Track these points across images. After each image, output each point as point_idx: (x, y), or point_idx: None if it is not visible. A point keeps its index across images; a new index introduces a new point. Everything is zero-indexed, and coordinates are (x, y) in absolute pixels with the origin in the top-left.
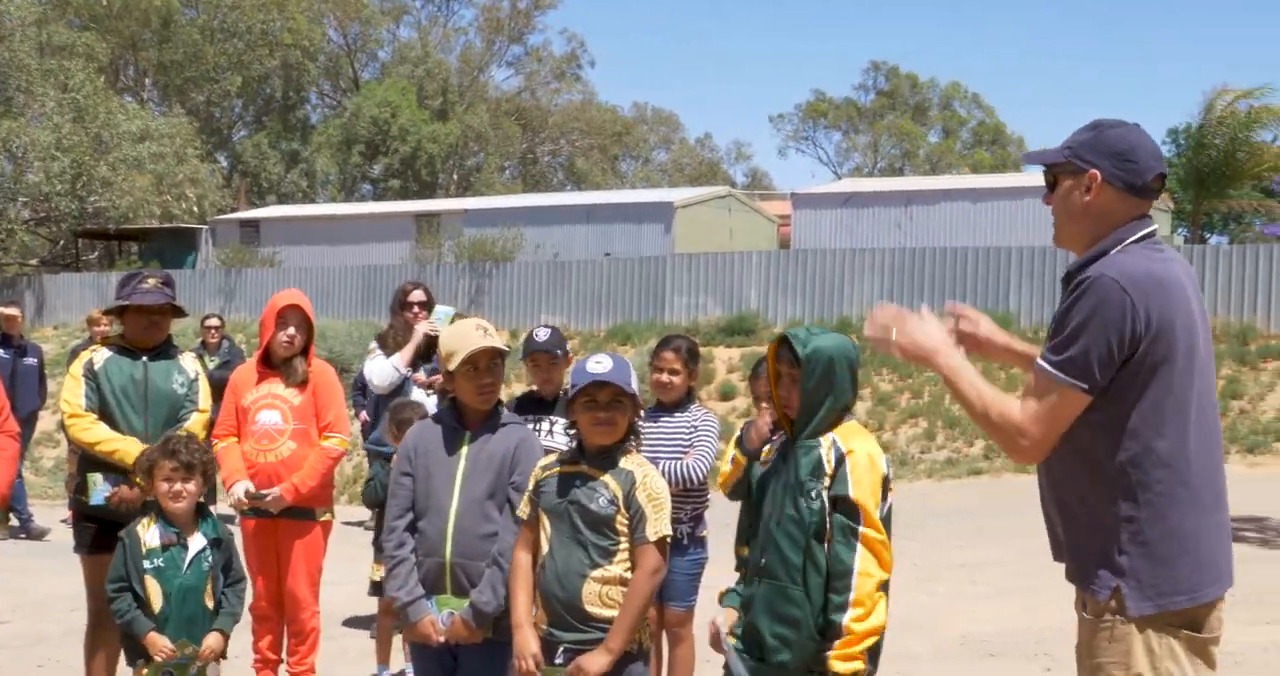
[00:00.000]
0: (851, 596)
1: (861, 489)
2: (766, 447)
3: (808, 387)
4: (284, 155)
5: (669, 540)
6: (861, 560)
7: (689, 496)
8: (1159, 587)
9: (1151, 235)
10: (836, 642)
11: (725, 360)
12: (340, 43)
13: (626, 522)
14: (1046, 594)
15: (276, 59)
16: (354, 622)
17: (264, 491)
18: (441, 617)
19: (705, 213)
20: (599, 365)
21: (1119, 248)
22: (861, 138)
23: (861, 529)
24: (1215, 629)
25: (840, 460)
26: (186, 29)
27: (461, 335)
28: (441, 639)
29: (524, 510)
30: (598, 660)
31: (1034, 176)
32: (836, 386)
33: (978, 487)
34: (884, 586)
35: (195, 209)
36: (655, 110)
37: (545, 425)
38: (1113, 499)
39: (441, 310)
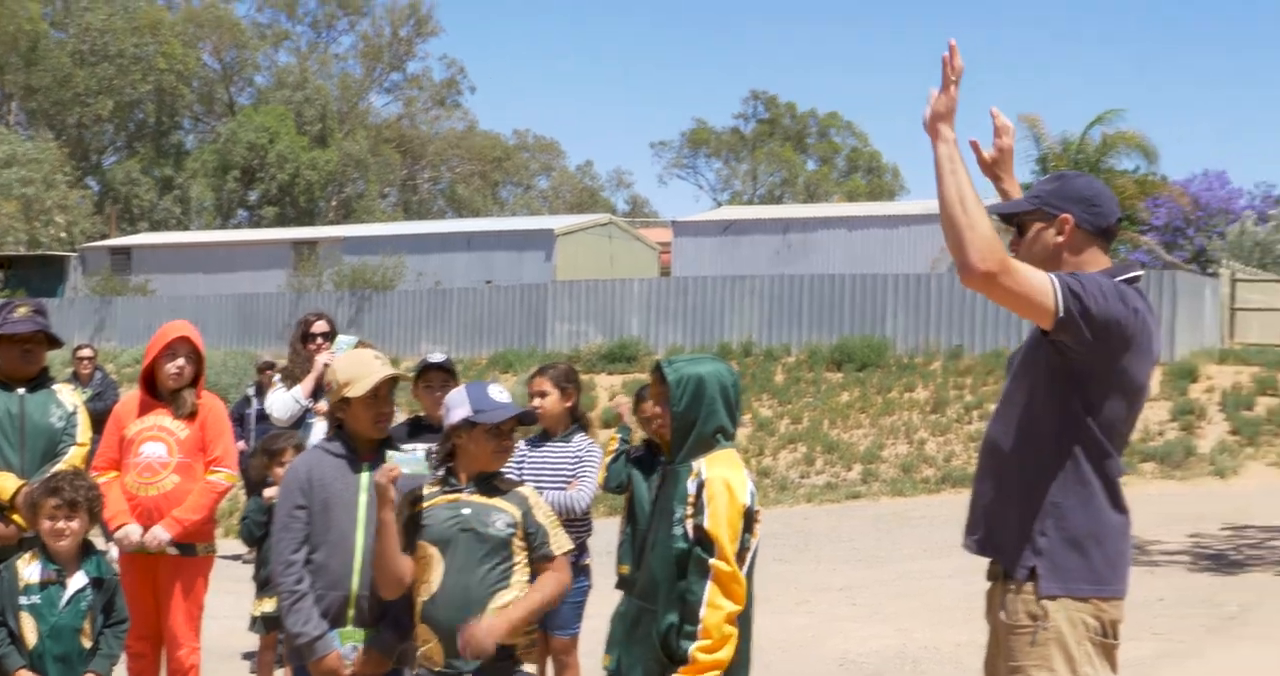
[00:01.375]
0: (700, 627)
1: (716, 520)
2: (627, 436)
3: (676, 411)
4: (157, 181)
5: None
6: (710, 592)
7: (572, 526)
8: (1073, 573)
9: (1137, 280)
10: (681, 669)
11: (607, 387)
12: (216, 67)
13: (524, 544)
14: (923, 615)
15: (150, 83)
16: (235, 658)
17: (149, 535)
18: (345, 651)
19: (586, 240)
20: (503, 395)
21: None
22: (742, 165)
23: (712, 561)
24: (1118, 633)
25: (699, 488)
26: (55, 52)
27: (362, 363)
28: (348, 672)
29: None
30: (495, 623)
31: (909, 205)
32: (704, 410)
33: (856, 511)
34: (738, 619)
35: (64, 235)
36: (536, 137)
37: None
38: (1048, 484)
39: (343, 340)
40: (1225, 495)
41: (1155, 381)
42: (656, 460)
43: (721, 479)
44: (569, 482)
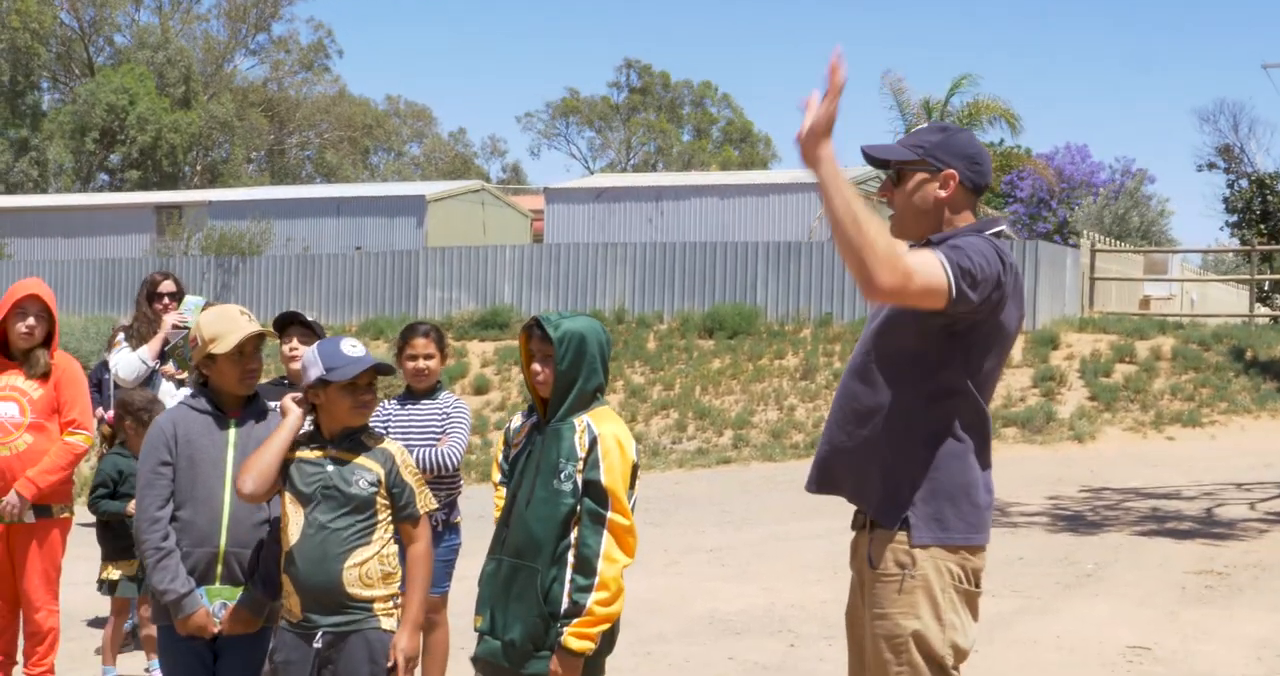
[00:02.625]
0: (596, 580)
1: (613, 475)
2: (518, 428)
3: (561, 368)
4: (12, 143)
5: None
6: (607, 545)
7: (442, 482)
8: (943, 523)
9: (1000, 234)
10: (575, 620)
11: (479, 354)
12: (74, 26)
13: (387, 502)
14: (790, 575)
15: (3, 42)
16: (95, 623)
17: (5, 504)
18: (213, 608)
19: (458, 207)
20: (356, 349)
21: (979, 235)
22: (615, 135)
23: (609, 515)
24: (980, 581)
25: (593, 443)
26: None
27: (229, 319)
28: (217, 629)
29: None
30: (409, 637)
31: (780, 174)
32: (587, 367)
33: (726, 476)
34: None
35: None
36: (408, 103)
37: None
38: (921, 436)
39: (191, 300)
40: (1083, 459)
41: (1018, 349)
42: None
43: (613, 435)
44: (438, 439)
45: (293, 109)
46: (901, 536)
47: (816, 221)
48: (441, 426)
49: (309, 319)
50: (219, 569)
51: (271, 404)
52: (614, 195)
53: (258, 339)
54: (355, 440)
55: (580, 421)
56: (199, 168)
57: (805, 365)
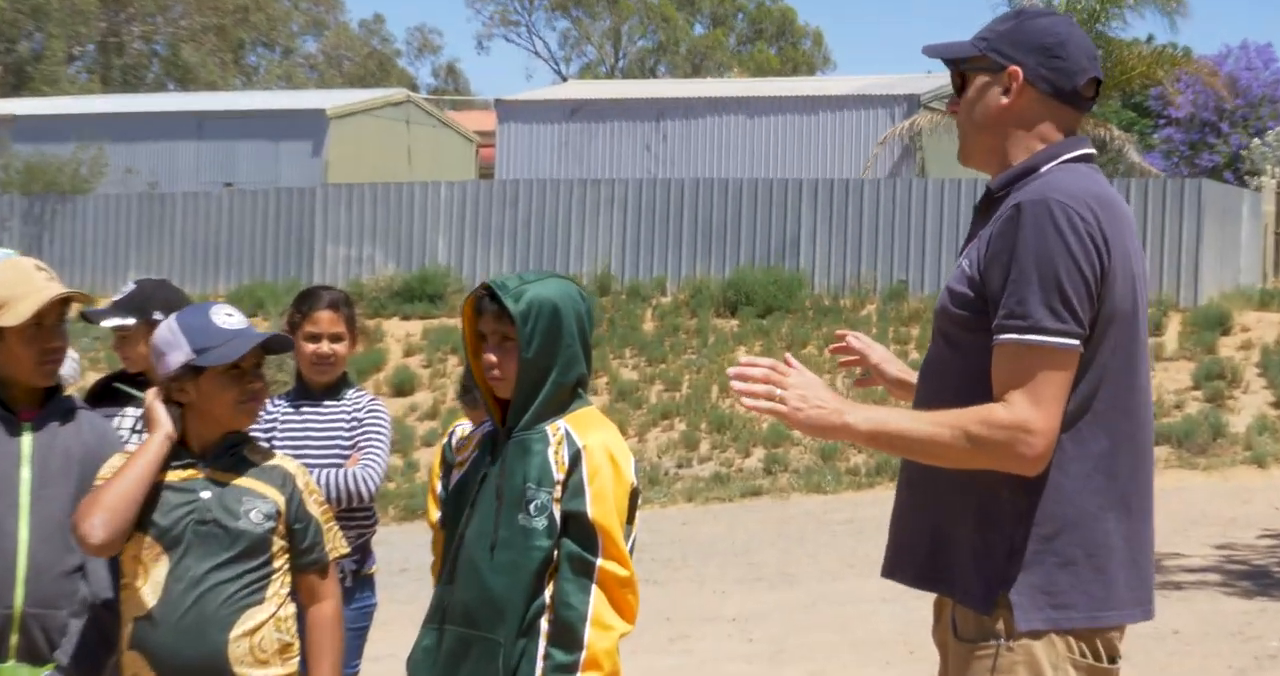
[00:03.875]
0: (583, 655)
1: (604, 504)
2: (460, 440)
3: (527, 355)
4: None
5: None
6: (598, 605)
7: (353, 518)
8: (1059, 599)
9: (1090, 159)
10: None
11: (401, 337)
12: None
13: (285, 542)
14: (845, 654)
15: None
16: None
17: None
18: None
19: (373, 126)
20: (232, 319)
21: (1053, 164)
22: (598, 24)
23: (600, 562)
24: (1118, 656)
25: (576, 459)
26: None
27: (21, 277)
28: None
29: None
30: None
31: (835, 82)
32: (564, 351)
33: (755, 513)
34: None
35: None
36: None
37: (124, 421)
38: (1017, 483)
39: None
40: (1266, 490)
41: (1171, 337)
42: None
43: (603, 447)
44: (346, 457)
45: None
46: (999, 623)
47: (878, 146)
48: (349, 438)
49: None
50: (13, 639)
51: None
52: (596, 111)
53: (62, 306)
54: (237, 454)
55: (556, 429)
56: (0, 68)
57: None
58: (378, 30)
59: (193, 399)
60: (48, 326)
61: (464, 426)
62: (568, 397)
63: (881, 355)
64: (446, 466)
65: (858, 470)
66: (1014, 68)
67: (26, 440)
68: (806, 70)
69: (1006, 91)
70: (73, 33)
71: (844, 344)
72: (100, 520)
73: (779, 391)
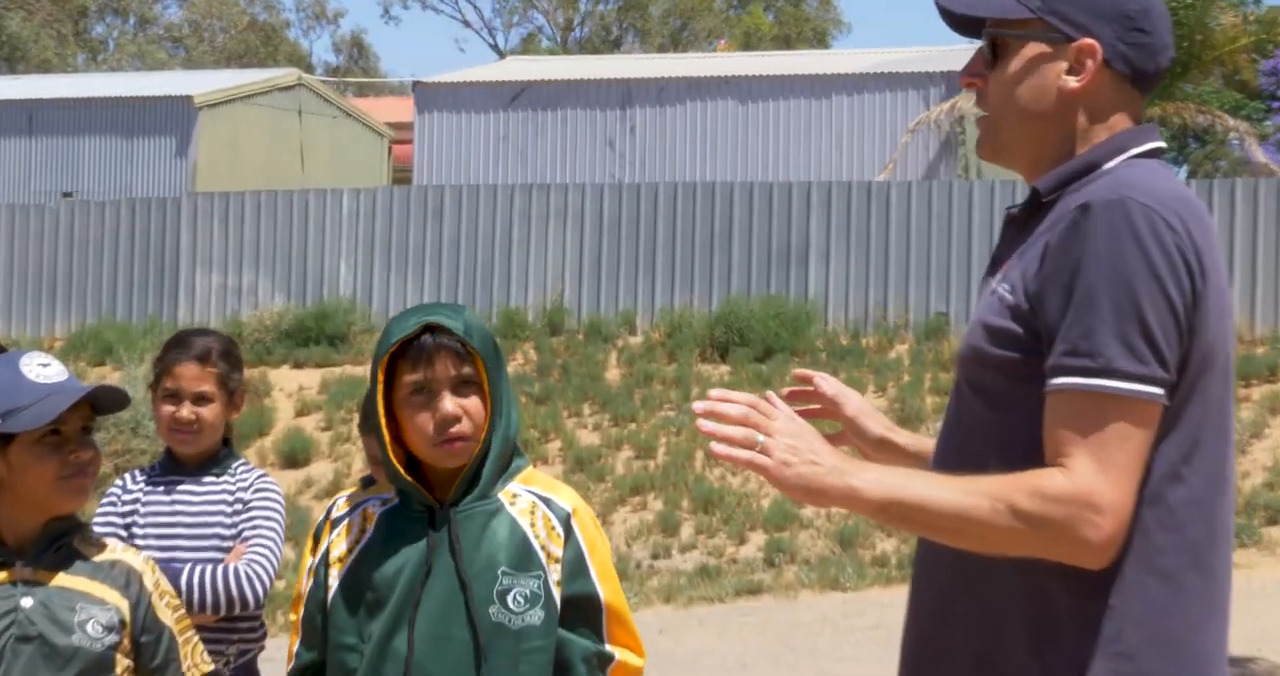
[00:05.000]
0: None
1: (611, 581)
2: (343, 517)
3: (499, 404)
4: None
5: None
6: None
7: (235, 629)
8: None
9: (1161, 153)
10: None
11: (292, 391)
12: None
13: (130, 662)
14: None
15: None
16: None
17: None
18: None
19: (254, 117)
20: (49, 370)
21: (1119, 159)
22: None
23: (619, 655)
24: None
25: (568, 528)
26: None
27: None
28: None
29: None
30: None
31: (850, 56)
32: (506, 395)
33: (754, 617)
34: None
35: None
36: None
37: None
38: (1081, 581)
39: None
40: None
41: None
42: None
43: (588, 513)
44: (226, 550)
45: None
46: None
47: (907, 134)
48: (231, 526)
49: None
50: None
51: None
52: (544, 96)
53: None
54: (64, 547)
55: (512, 496)
56: None
57: (900, 407)
58: None
59: (1, 476)
60: None
61: (345, 498)
62: (512, 454)
63: (859, 406)
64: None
65: (886, 560)
66: (1088, 41)
67: None
68: (813, 40)
69: (1074, 71)
70: None
71: (807, 388)
72: None
73: (761, 438)
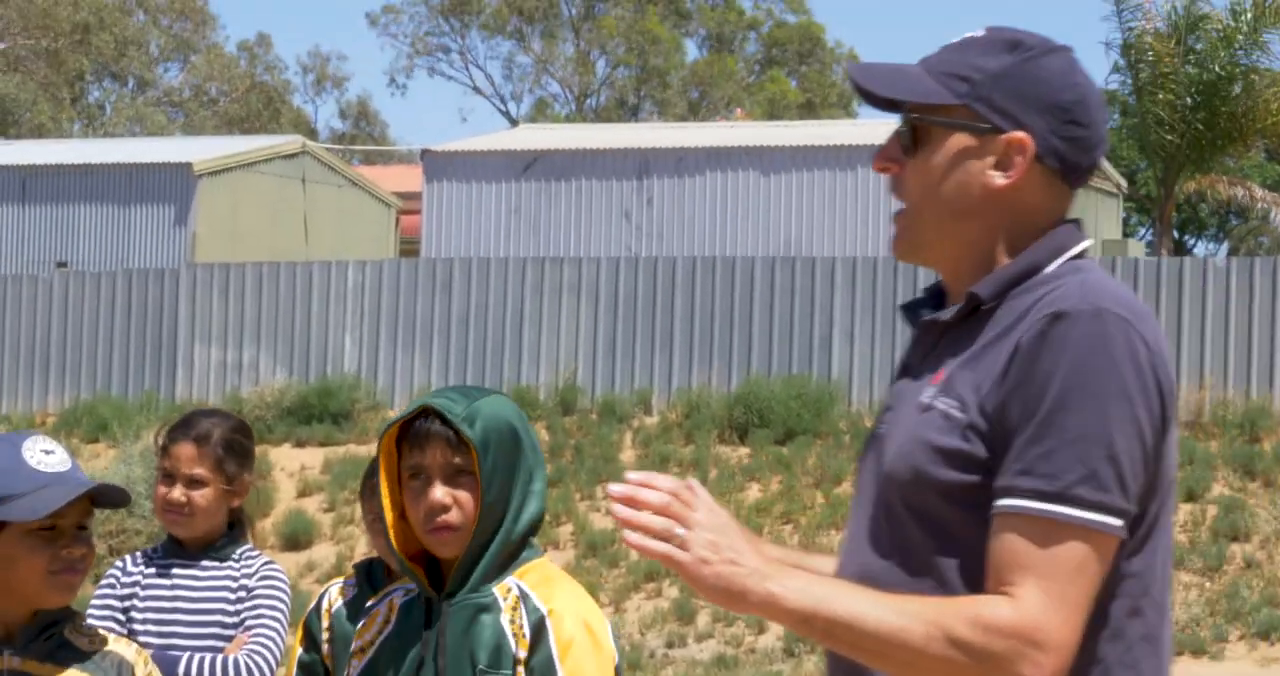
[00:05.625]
0: None
1: None
2: (344, 609)
3: (488, 498)
4: None
5: None
6: None
7: None
8: None
9: (1085, 253)
10: None
11: (294, 471)
12: None
13: None
14: None
15: None
16: None
17: None
18: None
19: (256, 186)
20: (52, 457)
21: (1059, 262)
22: (561, 47)
23: None
24: None
25: (540, 630)
26: None
27: None
28: None
29: None
30: None
31: (877, 126)
32: (521, 486)
33: None
34: None
35: None
36: None
37: None
38: None
39: None
40: None
41: None
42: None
43: (574, 612)
44: (227, 639)
45: None
46: None
47: None
48: (234, 614)
49: None
50: None
51: None
52: (558, 166)
53: None
54: (55, 638)
55: (506, 590)
56: None
57: None
58: (262, 56)
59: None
60: None
61: (339, 586)
62: (519, 546)
63: (717, 521)
64: (312, 642)
65: None
66: (1019, 134)
67: None
68: (837, 108)
69: (1002, 166)
70: None
71: (626, 494)
72: None
73: (681, 531)
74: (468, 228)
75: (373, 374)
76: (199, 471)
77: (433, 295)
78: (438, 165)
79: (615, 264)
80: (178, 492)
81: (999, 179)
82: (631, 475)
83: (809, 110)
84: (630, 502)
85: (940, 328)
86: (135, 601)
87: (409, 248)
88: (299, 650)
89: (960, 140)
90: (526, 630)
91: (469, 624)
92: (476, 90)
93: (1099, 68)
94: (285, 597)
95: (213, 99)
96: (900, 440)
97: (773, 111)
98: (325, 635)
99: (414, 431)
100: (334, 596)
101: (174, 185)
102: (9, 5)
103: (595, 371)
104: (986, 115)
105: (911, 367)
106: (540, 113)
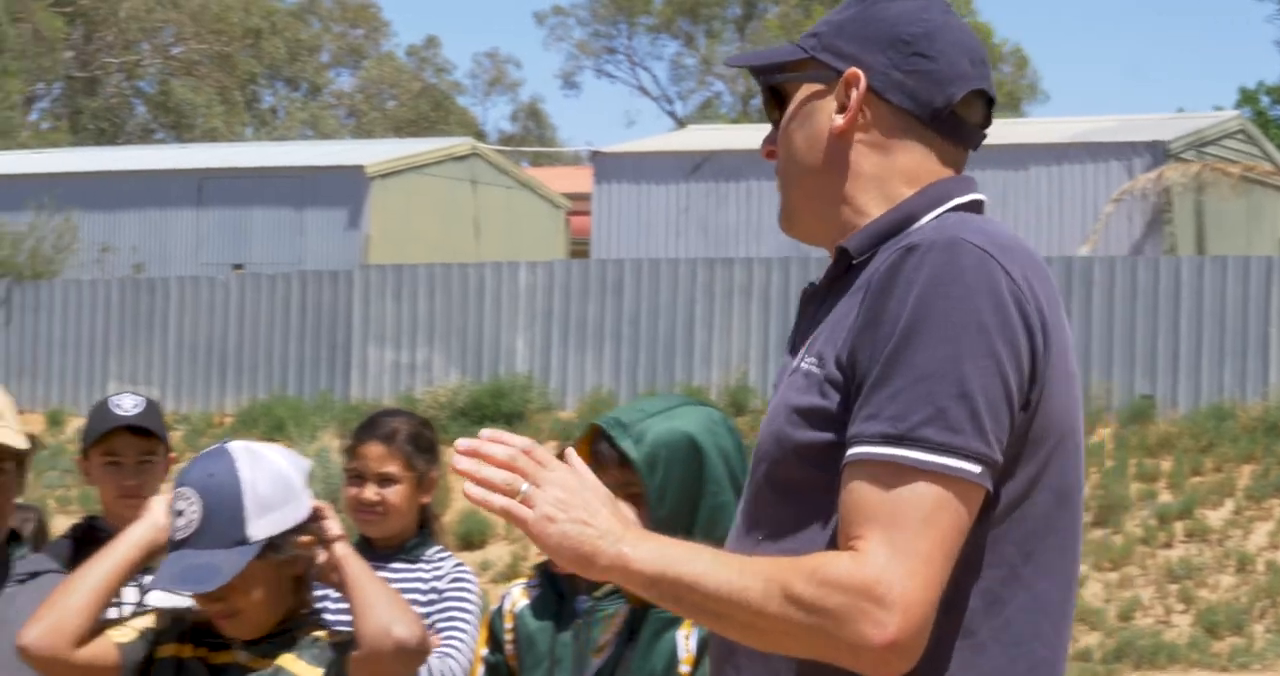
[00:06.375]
0: None
1: None
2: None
3: (659, 513)
4: None
5: None
6: None
7: None
8: None
9: (980, 206)
10: None
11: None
12: None
13: None
14: None
15: None
16: None
17: None
18: None
19: (428, 188)
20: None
21: (939, 211)
22: (725, 47)
23: None
24: None
25: (704, 646)
26: None
27: None
28: None
29: None
30: None
31: (1050, 125)
32: (707, 503)
33: None
34: None
35: None
36: None
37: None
38: None
39: None
40: None
41: None
42: (567, 604)
43: None
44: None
45: (113, 1)
46: None
47: (1110, 205)
48: (425, 616)
49: (137, 421)
50: None
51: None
52: (727, 167)
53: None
54: (282, 631)
55: None
56: None
57: (1104, 494)
58: (432, 59)
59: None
60: None
61: (522, 587)
62: None
63: (571, 481)
64: (496, 644)
65: (1092, 651)
66: (853, 70)
67: None
68: (1006, 107)
69: (843, 108)
70: (32, 67)
71: (471, 448)
72: (36, 624)
73: (526, 487)
74: (637, 229)
75: (545, 374)
76: (389, 469)
77: (604, 296)
78: (607, 166)
79: (786, 264)
80: (370, 492)
81: (839, 120)
82: (484, 432)
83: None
84: (473, 455)
85: (820, 294)
86: (327, 603)
87: (577, 248)
88: (484, 651)
89: (806, 91)
90: (694, 646)
91: (655, 638)
92: (642, 90)
93: (1268, 65)
94: (477, 602)
95: (382, 103)
96: (769, 413)
97: None
98: (509, 636)
99: (592, 450)
100: (517, 597)
101: (347, 188)
102: (183, 10)
103: (766, 372)
104: (831, 62)
105: (794, 342)
106: (705, 113)
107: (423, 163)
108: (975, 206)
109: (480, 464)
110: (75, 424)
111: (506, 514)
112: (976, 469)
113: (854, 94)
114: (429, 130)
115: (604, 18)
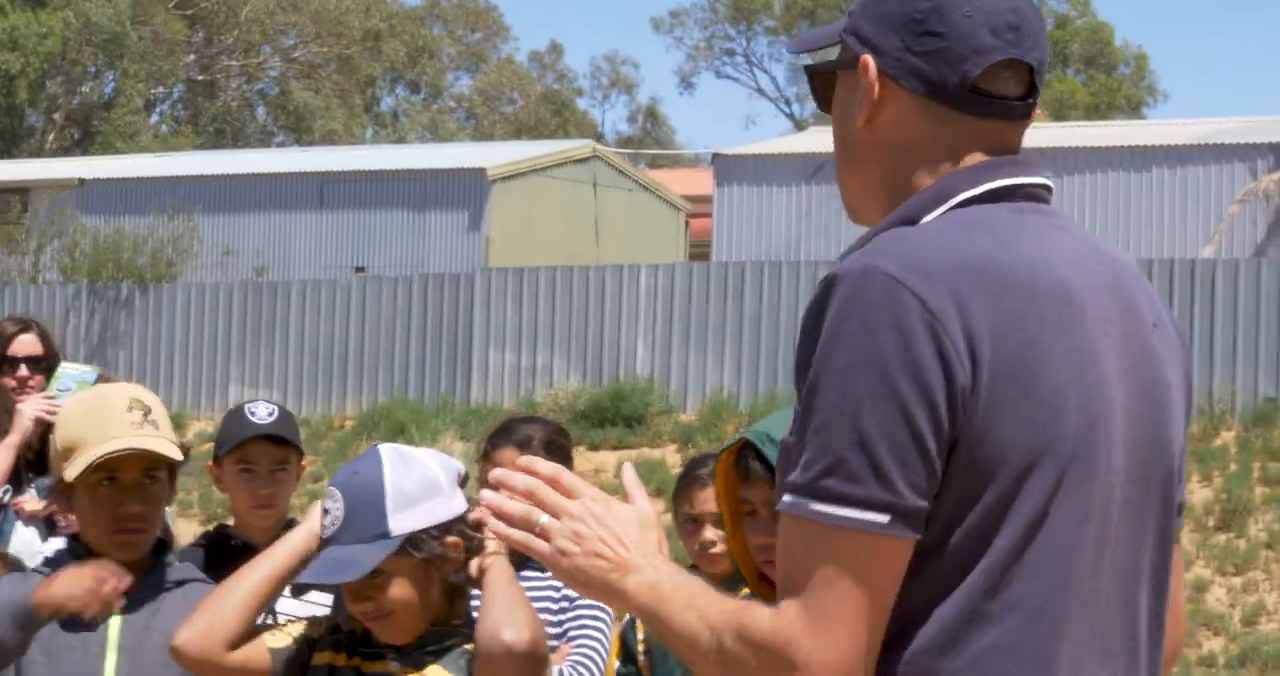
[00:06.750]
0: None
1: None
2: None
3: None
4: None
5: None
6: None
7: None
8: None
9: (1016, 192)
10: None
11: (589, 473)
12: None
13: None
14: None
15: None
16: None
17: None
18: None
19: (549, 191)
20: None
21: (943, 208)
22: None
23: None
24: None
25: None
26: None
27: (95, 417)
28: None
29: None
30: None
31: (1170, 126)
32: None
33: None
34: None
35: None
36: None
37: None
38: None
39: (72, 374)
40: None
41: None
42: None
43: None
44: (550, 650)
45: (234, 6)
46: None
47: (1234, 206)
48: (557, 624)
49: (273, 430)
50: None
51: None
52: None
53: (147, 461)
54: (434, 641)
55: None
56: (57, 116)
57: (1227, 498)
58: (553, 65)
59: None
60: (128, 483)
61: None
62: None
63: (595, 510)
64: (628, 654)
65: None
66: (864, 57)
67: (114, 622)
68: (1129, 108)
69: (864, 98)
70: (153, 70)
71: (499, 479)
72: (191, 626)
73: (545, 519)
74: (757, 231)
75: (665, 377)
76: None
77: (724, 298)
78: (728, 169)
79: None
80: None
81: (858, 111)
82: (521, 460)
83: (1095, 112)
84: (502, 485)
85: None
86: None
87: (697, 251)
88: (615, 663)
89: (839, 81)
90: None
91: None
92: (760, 92)
93: None
94: (608, 611)
95: (502, 107)
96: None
97: (1058, 112)
98: (641, 647)
99: (738, 464)
100: None
101: (468, 190)
102: (303, 12)
103: None
104: (855, 47)
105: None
106: (823, 115)
107: (544, 165)
108: (1007, 192)
109: (503, 497)
110: (196, 428)
111: (526, 548)
112: (884, 518)
113: (865, 84)
114: (547, 134)
115: (723, 19)
